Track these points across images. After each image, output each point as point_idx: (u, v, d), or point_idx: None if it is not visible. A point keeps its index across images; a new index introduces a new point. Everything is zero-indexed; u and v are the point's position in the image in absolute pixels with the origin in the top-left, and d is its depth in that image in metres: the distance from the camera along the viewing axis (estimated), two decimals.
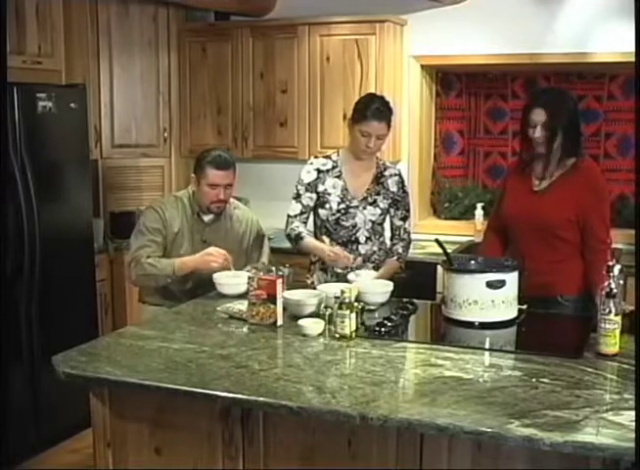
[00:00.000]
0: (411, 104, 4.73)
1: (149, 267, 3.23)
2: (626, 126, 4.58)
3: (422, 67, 4.69)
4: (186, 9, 4.87)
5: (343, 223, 3.38)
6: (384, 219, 3.46)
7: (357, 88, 4.42)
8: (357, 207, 3.38)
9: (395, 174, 3.45)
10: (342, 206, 3.37)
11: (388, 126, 3.30)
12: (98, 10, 4.49)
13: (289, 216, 3.41)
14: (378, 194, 3.40)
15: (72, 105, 3.93)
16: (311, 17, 4.57)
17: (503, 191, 3.24)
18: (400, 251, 3.45)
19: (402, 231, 3.47)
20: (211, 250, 3.21)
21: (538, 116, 2.90)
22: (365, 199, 3.38)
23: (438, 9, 4.52)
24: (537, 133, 2.91)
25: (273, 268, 2.99)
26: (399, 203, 3.44)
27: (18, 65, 3.78)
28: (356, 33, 4.45)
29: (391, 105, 3.35)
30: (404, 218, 3.47)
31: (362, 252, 3.39)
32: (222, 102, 4.84)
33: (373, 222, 3.40)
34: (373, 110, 3.24)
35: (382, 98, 3.37)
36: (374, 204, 3.39)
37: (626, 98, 4.56)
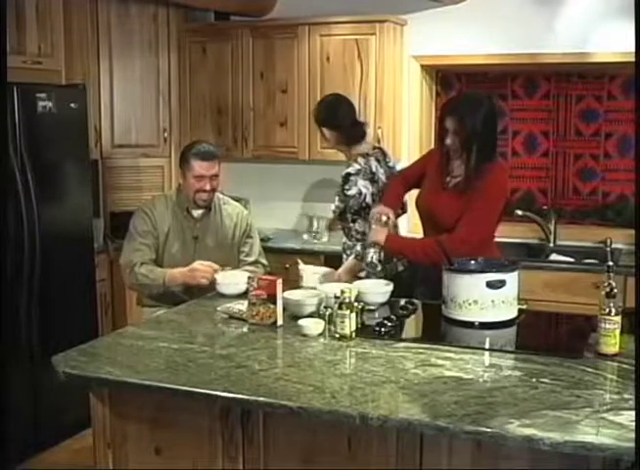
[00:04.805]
0: (411, 104, 4.72)
1: (142, 278, 3.27)
2: (626, 126, 4.57)
3: (422, 67, 4.69)
4: (186, 9, 4.86)
5: None
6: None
7: (357, 88, 4.41)
8: None
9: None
10: None
11: (330, 128, 3.52)
12: (98, 10, 4.49)
13: None
14: None
15: (72, 105, 3.93)
16: (311, 17, 4.57)
17: (422, 165, 3.29)
18: (359, 248, 3.39)
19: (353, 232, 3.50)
20: (197, 265, 3.21)
21: (449, 124, 2.98)
22: None
23: (438, 9, 4.52)
24: (449, 140, 2.99)
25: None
26: None
27: (18, 65, 3.77)
28: (356, 33, 4.45)
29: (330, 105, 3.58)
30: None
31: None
32: (222, 102, 4.84)
33: None
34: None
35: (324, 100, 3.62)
36: None
37: (626, 98, 4.55)
